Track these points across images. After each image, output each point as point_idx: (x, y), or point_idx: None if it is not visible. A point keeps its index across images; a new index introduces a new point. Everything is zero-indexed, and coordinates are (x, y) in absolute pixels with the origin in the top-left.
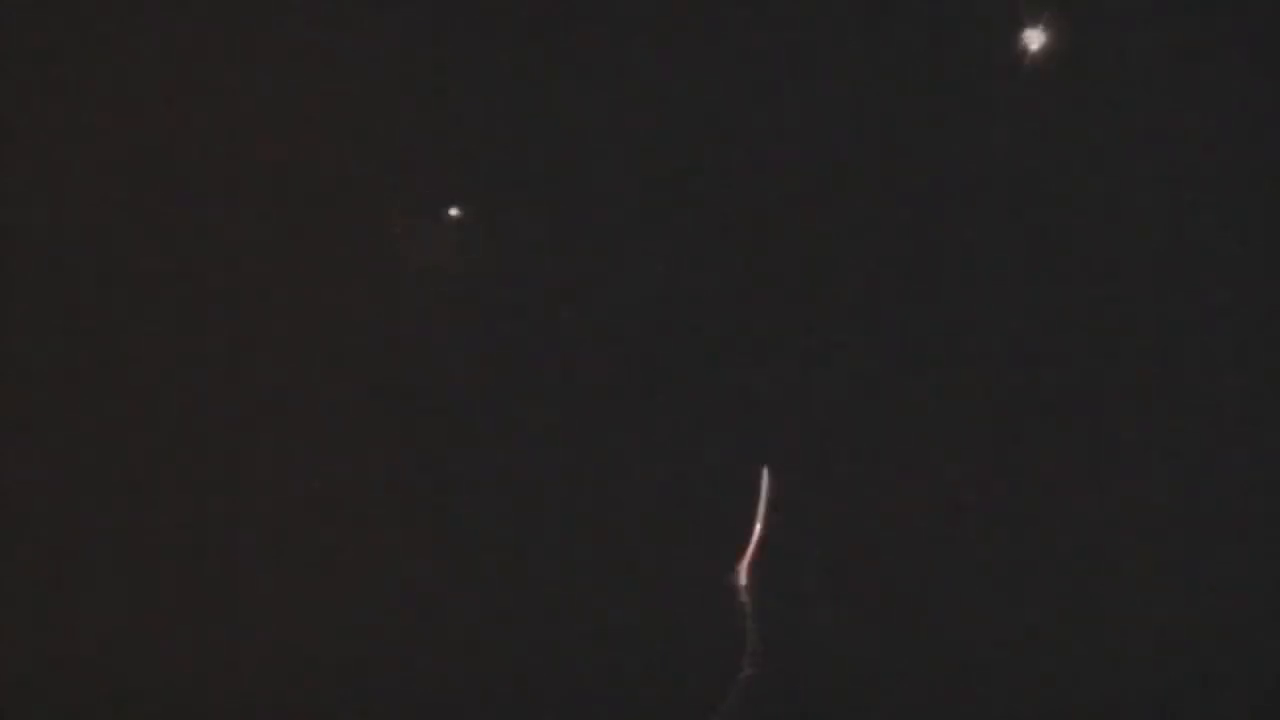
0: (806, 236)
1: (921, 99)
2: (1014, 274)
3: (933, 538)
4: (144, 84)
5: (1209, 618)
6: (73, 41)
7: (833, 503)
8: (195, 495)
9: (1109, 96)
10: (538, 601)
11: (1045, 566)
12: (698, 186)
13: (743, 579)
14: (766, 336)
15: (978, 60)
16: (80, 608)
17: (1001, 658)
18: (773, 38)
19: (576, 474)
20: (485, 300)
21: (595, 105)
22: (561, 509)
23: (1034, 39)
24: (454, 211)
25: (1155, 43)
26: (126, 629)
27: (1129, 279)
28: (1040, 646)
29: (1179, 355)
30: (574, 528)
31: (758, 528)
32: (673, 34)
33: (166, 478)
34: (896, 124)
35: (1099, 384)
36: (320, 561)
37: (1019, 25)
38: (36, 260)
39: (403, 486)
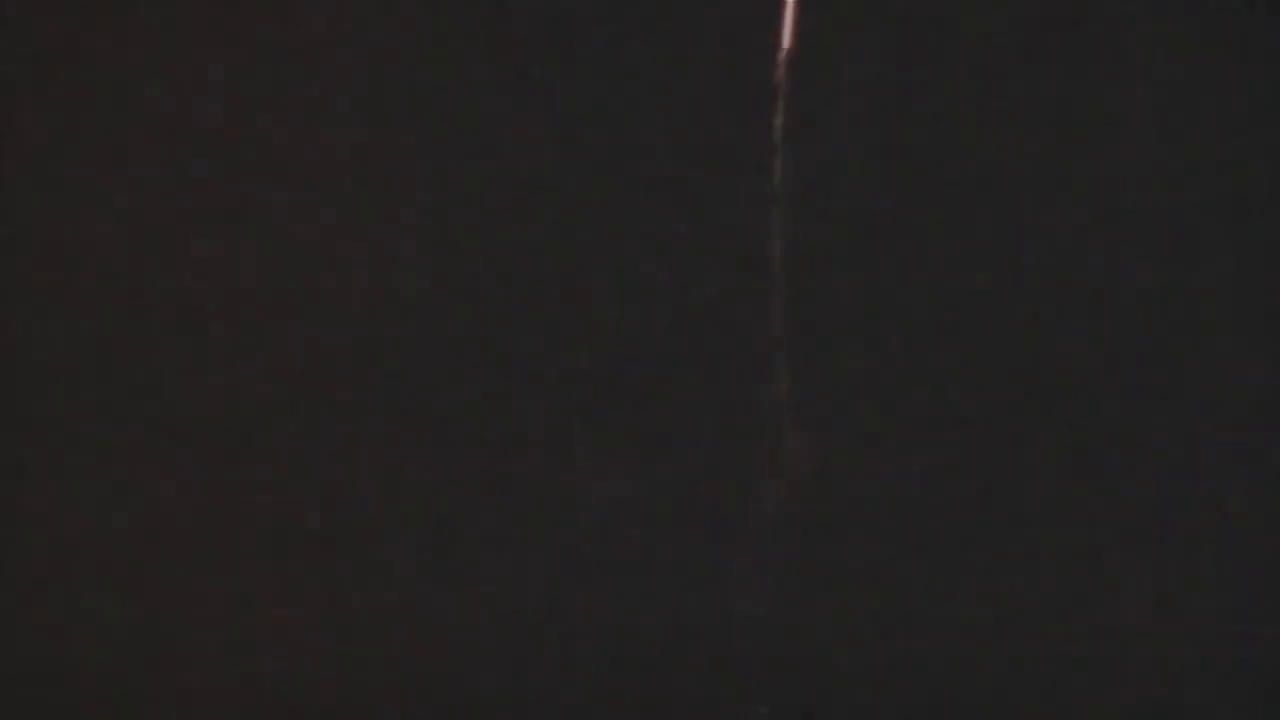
0: (806, 236)
1: (921, 99)
2: (1014, 274)
3: (932, 537)
4: (143, 84)
5: (1209, 618)
6: (72, 41)
7: (835, 507)
8: (195, 497)
9: (1109, 96)
10: (539, 606)
11: (1045, 567)
12: (697, 188)
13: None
14: (766, 338)
15: (979, 59)
16: (80, 608)
17: (1000, 658)
18: (774, 38)
19: (578, 477)
20: (486, 303)
21: (592, 107)
22: (563, 513)
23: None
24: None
25: (1154, 43)
26: (125, 630)
27: (1129, 279)
28: (1038, 647)
29: (1178, 356)
30: (577, 531)
31: None
32: (672, 36)
33: (166, 479)
34: (895, 123)
35: (1100, 385)
36: (321, 563)
37: (1019, 25)
38: (37, 261)
39: (404, 490)
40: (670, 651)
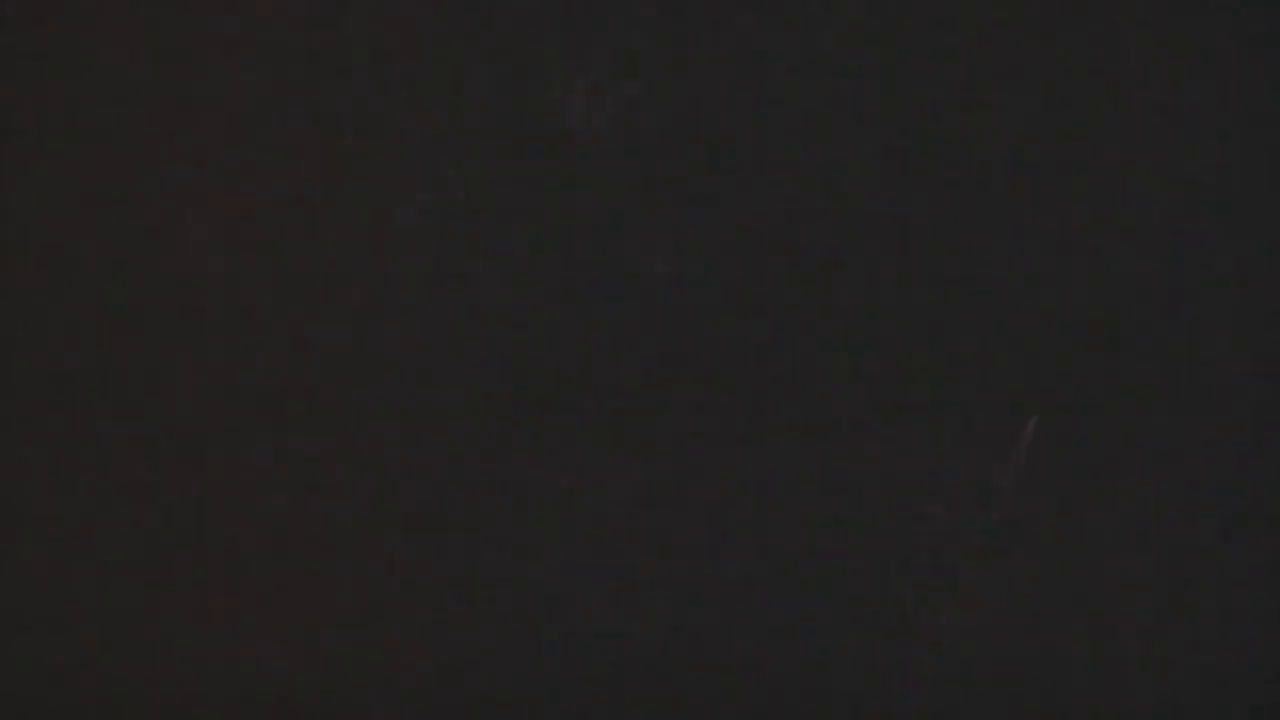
0: (809, 236)
1: (923, 99)
2: (1013, 274)
3: (933, 537)
4: (144, 85)
5: (1209, 618)
6: (71, 41)
7: (834, 501)
8: (194, 497)
9: (1109, 98)
10: (539, 607)
11: (1045, 567)
12: (702, 186)
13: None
14: (768, 338)
15: (978, 61)
16: (78, 609)
17: (1001, 657)
18: (774, 37)
19: (580, 478)
20: (488, 303)
21: (597, 105)
22: (562, 514)
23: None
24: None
25: (1155, 44)
26: (125, 630)
27: (1129, 279)
28: (1040, 647)
29: (1178, 356)
30: (577, 531)
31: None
32: (675, 33)
33: (166, 478)
34: (898, 124)
35: (1100, 385)
36: (320, 563)
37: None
38: (36, 260)
39: (403, 490)
40: (671, 652)
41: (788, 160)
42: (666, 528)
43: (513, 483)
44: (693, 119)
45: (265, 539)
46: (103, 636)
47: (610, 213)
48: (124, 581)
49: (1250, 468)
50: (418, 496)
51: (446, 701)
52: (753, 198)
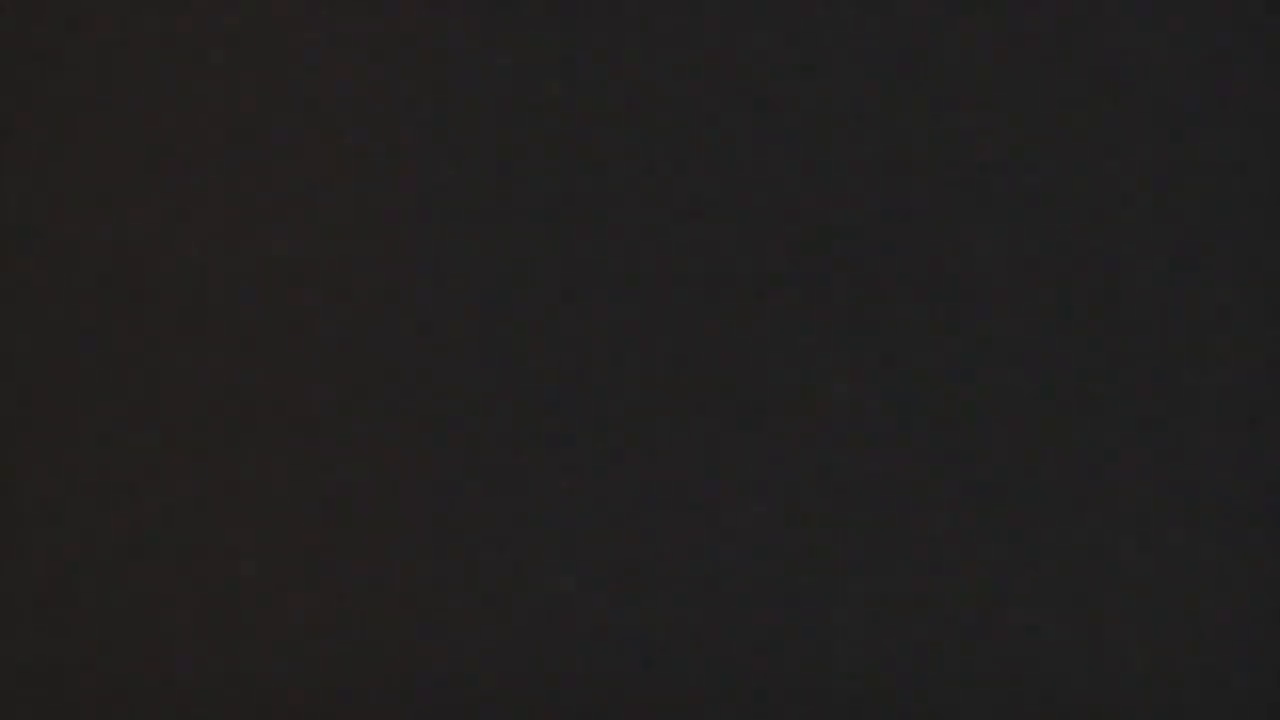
0: (809, 236)
1: (921, 99)
2: (1013, 275)
3: (931, 536)
4: (143, 83)
5: (1209, 618)
6: (72, 40)
7: (832, 503)
8: (193, 497)
9: (1109, 98)
10: (540, 609)
11: (1045, 567)
12: (699, 187)
13: None
14: (768, 338)
15: (976, 59)
16: (80, 608)
17: (1000, 657)
18: (773, 37)
19: (578, 476)
20: (488, 302)
21: (592, 106)
22: (563, 513)
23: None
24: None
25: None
26: (125, 629)
27: (1129, 277)
28: (1038, 647)
29: (1178, 355)
30: (577, 532)
31: None
32: (674, 31)
33: (165, 478)
34: (894, 122)
35: (1100, 383)
36: (321, 566)
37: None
38: (36, 260)
39: (404, 490)
40: (671, 652)
41: (789, 159)
42: (666, 527)
43: (513, 483)
44: (692, 117)
45: (265, 539)
46: (103, 636)
47: (611, 211)
48: (124, 581)
49: (1250, 468)
50: (418, 496)
51: (447, 701)
52: (752, 197)
